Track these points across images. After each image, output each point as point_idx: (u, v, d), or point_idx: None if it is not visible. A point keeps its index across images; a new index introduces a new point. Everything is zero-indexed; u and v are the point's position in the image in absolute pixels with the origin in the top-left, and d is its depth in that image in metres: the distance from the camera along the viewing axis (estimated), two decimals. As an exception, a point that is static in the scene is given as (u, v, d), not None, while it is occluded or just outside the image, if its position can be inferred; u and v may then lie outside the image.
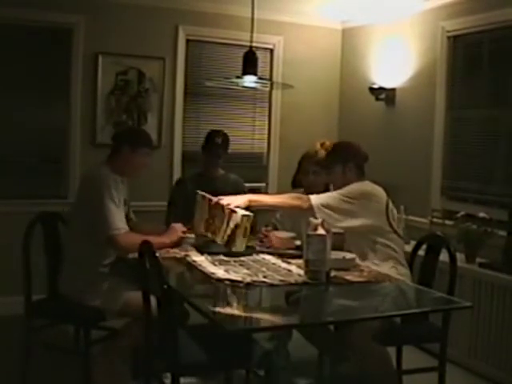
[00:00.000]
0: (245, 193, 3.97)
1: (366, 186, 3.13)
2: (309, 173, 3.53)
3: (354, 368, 2.91)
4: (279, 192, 5.32)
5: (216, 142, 3.86)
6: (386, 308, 2.54)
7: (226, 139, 3.91)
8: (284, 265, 2.86)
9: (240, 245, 2.97)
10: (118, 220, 2.92)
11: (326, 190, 3.53)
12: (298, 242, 3.21)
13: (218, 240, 3.03)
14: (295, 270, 2.76)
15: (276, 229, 3.54)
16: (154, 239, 2.77)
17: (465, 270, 3.68)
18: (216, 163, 3.86)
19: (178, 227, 3.19)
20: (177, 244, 3.10)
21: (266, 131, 5.44)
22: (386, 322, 2.74)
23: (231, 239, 2.96)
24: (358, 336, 2.70)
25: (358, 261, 2.93)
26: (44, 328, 3.12)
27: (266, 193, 5.21)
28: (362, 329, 2.67)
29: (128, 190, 3.28)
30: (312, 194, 3.56)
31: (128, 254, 2.98)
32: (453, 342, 3.04)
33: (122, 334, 2.92)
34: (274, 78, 5.22)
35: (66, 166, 4.71)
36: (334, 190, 3.21)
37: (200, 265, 2.78)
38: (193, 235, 3.26)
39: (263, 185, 5.45)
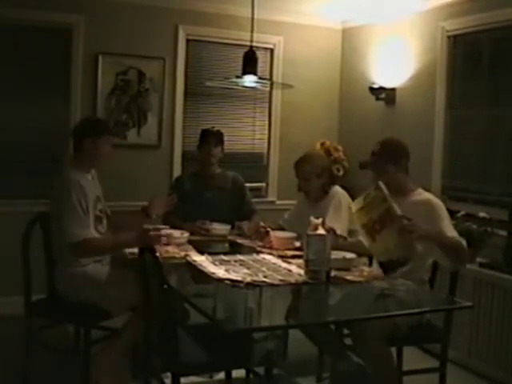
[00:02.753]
0: (244, 189, 3.98)
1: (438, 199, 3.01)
2: (299, 178, 3.54)
3: (355, 367, 2.90)
4: (280, 190, 5.35)
5: (211, 131, 3.94)
6: (387, 308, 2.52)
7: (220, 132, 3.97)
8: (284, 265, 2.85)
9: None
10: (80, 226, 2.88)
11: (326, 191, 3.53)
12: (297, 244, 3.20)
13: (381, 256, 2.74)
14: (295, 269, 2.75)
15: (281, 229, 3.54)
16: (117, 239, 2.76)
17: (465, 270, 3.64)
18: (214, 152, 3.87)
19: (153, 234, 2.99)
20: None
21: (266, 131, 5.42)
22: (388, 322, 2.72)
23: (399, 262, 2.68)
24: (365, 336, 2.68)
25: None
26: (44, 328, 3.11)
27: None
28: (370, 328, 2.65)
29: (101, 185, 3.24)
30: (310, 197, 3.56)
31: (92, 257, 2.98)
32: (453, 342, 3.04)
33: (122, 333, 2.90)
34: (274, 78, 5.21)
35: (66, 166, 4.69)
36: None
37: (200, 264, 2.78)
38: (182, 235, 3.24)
39: (263, 185, 5.44)
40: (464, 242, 2.80)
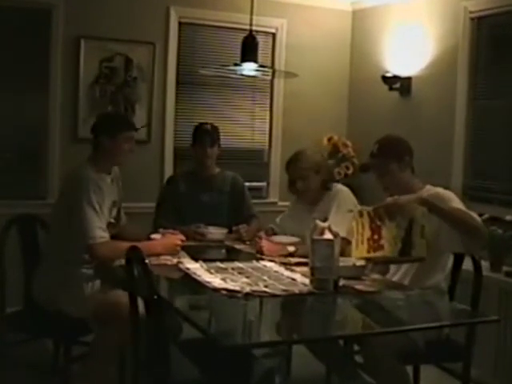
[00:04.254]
0: (244, 192, 3.99)
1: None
2: (295, 181, 3.51)
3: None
4: (282, 191, 5.35)
5: (205, 128, 3.92)
6: (401, 321, 2.53)
7: (215, 128, 3.96)
8: (287, 273, 2.87)
9: (421, 247, 2.77)
10: (95, 228, 2.95)
11: (327, 188, 3.53)
12: (291, 249, 3.21)
13: (391, 253, 2.85)
14: (300, 278, 2.76)
15: (274, 234, 3.55)
16: (143, 245, 2.76)
17: (490, 280, 3.66)
18: (210, 153, 3.87)
19: (175, 237, 3.19)
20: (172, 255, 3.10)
21: (267, 124, 5.44)
22: (403, 337, 2.73)
23: (407, 242, 2.79)
24: (377, 352, 2.69)
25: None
26: (19, 343, 3.11)
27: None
28: (382, 344, 2.66)
29: (120, 188, 3.30)
30: (309, 199, 3.55)
31: (110, 263, 2.99)
32: (476, 361, 3.03)
33: (94, 348, 2.92)
34: (276, 66, 5.22)
35: (44, 163, 4.70)
36: (389, 193, 3.10)
37: (194, 273, 2.79)
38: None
39: (264, 184, 5.45)
40: (475, 215, 2.80)
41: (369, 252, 2.91)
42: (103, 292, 2.98)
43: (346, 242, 3.22)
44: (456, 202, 2.90)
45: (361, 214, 2.93)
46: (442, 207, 2.78)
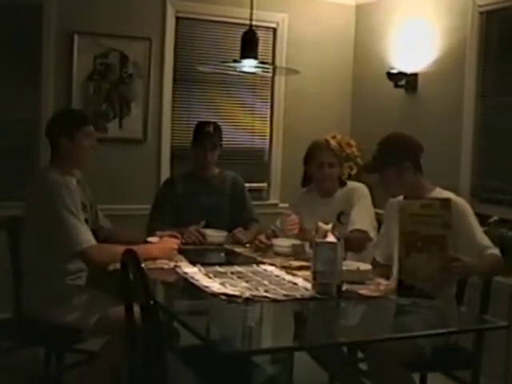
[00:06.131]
0: (244, 193, 3.99)
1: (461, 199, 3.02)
2: (323, 165, 3.56)
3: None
4: (283, 192, 5.36)
5: (207, 130, 3.87)
6: (407, 327, 2.53)
7: (218, 129, 3.92)
8: (288, 277, 2.87)
9: None
10: (80, 232, 2.93)
11: (343, 183, 3.62)
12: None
13: (404, 272, 2.69)
14: (301, 283, 2.76)
15: (275, 236, 3.56)
16: (139, 249, 2.75)
17: (499, 284, 3.64)
18: (210, 157, 3.85)
19: (172, 240, 3.18)
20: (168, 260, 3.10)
21: (268, 123, 5.45)
22: (409, 344, 2.73)
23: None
24: (382, 360, 2.69)
25: None
26: (9, 351, 3.11)
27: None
28: (388, 351, 2.66)
29: (88, 191, 3.28)
30: (326, 188, 3.61)
31: (104, 267, 2.99)
32: (485, 368, 3.04)
33: (101, 357, 2.91)
34: (277, 62, 5.23)
35: (35, 162, 4.70)
36: (391, 195, 3.13)
37: (192, 277, 2.79)
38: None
39: (264, 185, 5.45)
40: (499, 254, 2.83)
41: (401, 235, 2.72)
42: (101, 306, 2.94)
43: (367, 236, 3.26)
44: (473, 219, 2.90)
45: (446, 225, 2.69)
46: (482, 269, 2.78)
